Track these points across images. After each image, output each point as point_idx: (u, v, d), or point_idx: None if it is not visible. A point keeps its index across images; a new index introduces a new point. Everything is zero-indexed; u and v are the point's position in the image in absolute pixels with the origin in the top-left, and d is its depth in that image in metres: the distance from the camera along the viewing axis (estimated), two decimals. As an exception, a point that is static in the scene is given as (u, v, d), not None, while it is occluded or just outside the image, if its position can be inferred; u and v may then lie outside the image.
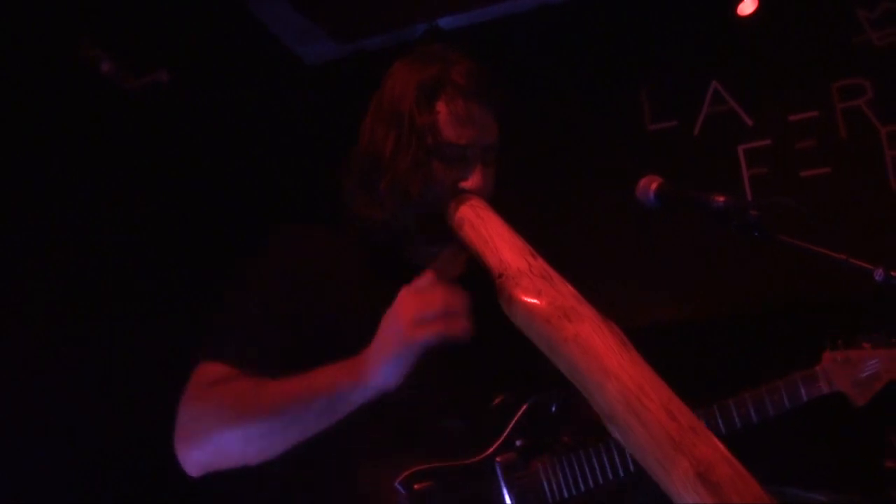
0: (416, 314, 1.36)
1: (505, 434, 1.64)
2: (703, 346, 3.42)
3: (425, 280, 1.41)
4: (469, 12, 3.98)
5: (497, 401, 1.66)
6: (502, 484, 1.60)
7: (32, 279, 2.73)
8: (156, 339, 3.01)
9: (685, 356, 1.88)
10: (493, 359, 1.65)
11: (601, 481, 1.63)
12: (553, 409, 1.70)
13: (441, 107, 1.63)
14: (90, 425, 2.80)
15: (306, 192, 3.95)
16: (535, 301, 1.23)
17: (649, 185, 1.74)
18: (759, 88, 3.83)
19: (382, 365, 1.38)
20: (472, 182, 1.63)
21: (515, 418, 1.65)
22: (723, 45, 3.84)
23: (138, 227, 3.26)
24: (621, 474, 1.63)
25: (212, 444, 1.48)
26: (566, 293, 1.22)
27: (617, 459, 1.63)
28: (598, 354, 1.10)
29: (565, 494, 1.62)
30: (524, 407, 1.66)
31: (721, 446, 0.98)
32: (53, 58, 2.72)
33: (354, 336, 1.48)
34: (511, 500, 1.59)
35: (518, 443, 1.63)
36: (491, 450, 1.62)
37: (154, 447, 1.66)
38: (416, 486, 1.56)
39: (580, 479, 1.63)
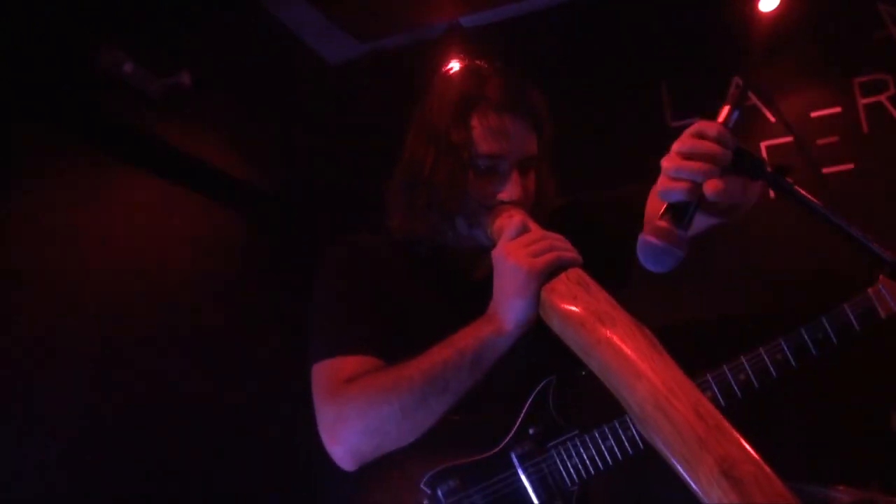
0: (527, 250, 1.45)
1: (518, 424, 1.68)
2: (733, 344, 3.41)
3: (514, 226, 1.51)
4: (490, 10, 3.98)
5: (510, 390, 1.70)
6: (521, 473, 1.64)
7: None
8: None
9: (717, 354, 1.84)
10: (520, 352, 1.69)
11: (619, 458, 1.66)
12: (562, 392, 1.73)
13: (475, 122, 1.67)
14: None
15: (335, 192, 4.00)
16: (570, 307, 1.28)
17: None
18: (781, 84, 3.82)
19: (516, 303, 1.45)
20: (508, 193, 1.67)
21: (526, 406, 1.69)
22: (745, 41, 3.83)
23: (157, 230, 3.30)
24: (641, 447, 1.66)
25: (369, 429, 1.54)
26: (601, 299, 1.26)
27: (634, 433, 1.67)
28: (630, 357, 1.13)
29: (583, 475, 1.65)
30: (535, 392, 1.70)
31: (746, 445, 1.00)
32: (76, 62, 2.76)
33: (402, 336, 1.61)
34: (532, 488, 1.63)
35: (531, 431, 1.67)
36: (506, 441, 1.66)
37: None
38: (440, 486, 1.61)
39: (597, 458, 1.66)
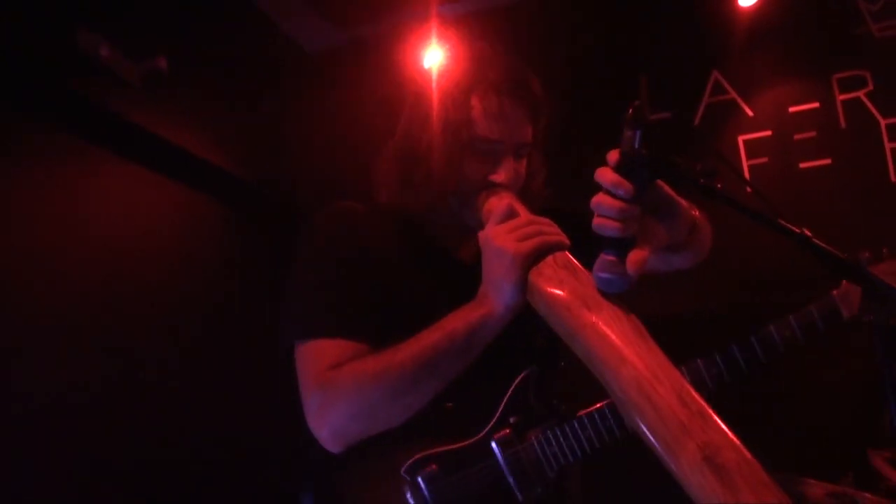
0: (513, 234, 1.44)
1: (498, 412, 1.70)
2: (722, 337, 3.43)
3: (501, 210, 1.51)
4: (469, 0, 3.98)
5: (492, 379, 1.71)
6: (501, 461, 1.66)
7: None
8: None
9: (705, 347, 1.89)
10: (506, 335, 1.70)
11: (598, 446, 1.69)
12: (543, 382, 1.76)
13: (475, 102, 1.67)
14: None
15: (315, 180, 3.98)
16: (556, 291, 1.27)
17: None
18: (759, 79, 3.84)
19: (503, 287, 1.44)
20: (501, 176, 1.67)
21: (507, 395, 1.71)
22: (724, 35, 3.84)
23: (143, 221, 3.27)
24: (618, 437, 1.70)
25: (358, 414, 1.53)
26: (588, 283, 1.25)
27: (612, 423, 1.70)
28: (614, 342, 1.12)
29: (562, 463, 1.68)
30: (516, 381, 1.72)
31: (729, 432, 1.01)
32: (52, 44, 2.72)
33: (396, 309, 1.62)
34: (511, 475, 1.65)
35: (512, 419, 1.69)
36: (486, 429, 1.68)
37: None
38: (420, 472, 1.63)
39: (576, 447, 1.69)
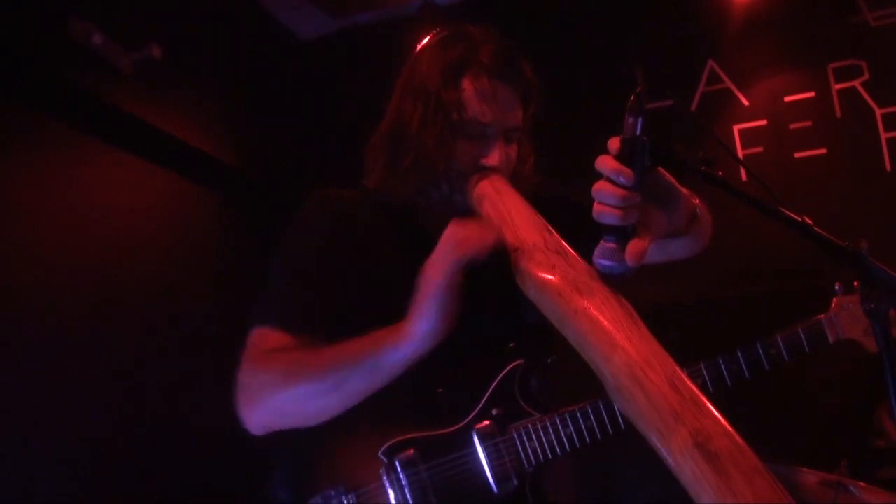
0: (437, 254, 1.44)
1: (483, 402, 1.69)
2: (717, 324, 3.43)
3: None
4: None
5: (480, 368, 1.71)
6: (479, 451, 1.65)
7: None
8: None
9: (699, 335, 1.88)
10: (490, 327, 1.72)
11: (578, 445, 1.68)
12: (529, 377, 1.74)
13: (467, 84, 1.64)
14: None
15: (307, 169, 3.96)
16: (547, 276, 1.26)
17: None
18: (755, 68, 3.83)
19: (421, 308, 1.43)
20: (492, 159, 1.65)
21: (492, 387, 1.70)
22: (719, 25, 3.83)
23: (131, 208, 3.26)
24: (598, 437, 1.69)
25: (272, 406, 1.56)
26: (579, 268, 1.24)
27: (594, 423, 1.69)
28: (606, 327, 1.11)
29: (541, 458, 1.67)
30: (502, 374, 1.71)
31: (721, 419, 1.00)
32: (44, 33, 2.70)
33: (379, 298, 1.63)
34: (488, 466, 1.64)
35: (494, 411, 1.68)
36: (468, 419, 1.68)
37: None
38: (397, 456, 1.63)
39: (556, 444, 1.68)
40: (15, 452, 2.56)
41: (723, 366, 1.82)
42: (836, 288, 1.89)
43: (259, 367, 1.58)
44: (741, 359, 1.82)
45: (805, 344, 1.83)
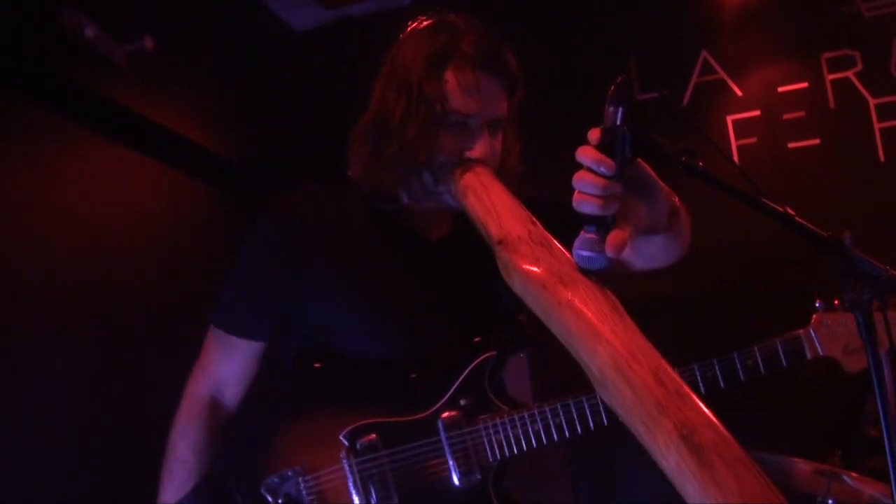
0: None
1: (451, 391, 1.68)
2: (701, 318, 3.44)
3: None
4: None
5: (451, 358, 1.71)
6: (443, 441, 1.65)
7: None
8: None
9: (683, 327, 1.85)
10: (469, 318, 1.73)
11: (545, 442, 1.67)
12: (500, 370, 1.75)
13: (450, 75, 1.63)
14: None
15: (296, 155, 3.96)
16: (532, 268, 1.24)
17: None
18: (748, 59, 3.83)
19: None
20: (477, 151, 1.64)
21: (462, 377, 1.69)
22: (713, 15, 3.83)
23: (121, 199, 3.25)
24: (567, 435, 1.68)
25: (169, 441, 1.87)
26: (563, 260, 1.23)
27: (562, 421, 1.68)
28: (591, 319, 1.11)
29: (506, 453, 1.66)
30: (472, 365, 1.70)
31: (706, 411, 1.00)
32: (36, 24, 2.69)
33: (352, 291, 1.68)
34: (451, 457, 1.64)
35: (462, 402, 1.68)
36: (435, 408, 1.67)
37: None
38: (359, 440, 1.63)
39: (522, 440, 1.67)
40: (9, 449, 2.55)
41: (698, 373, 1.78)
42: (817, 304, 1.86)
43: (182, 411, 1.88)
44: (717, 368, 1.79)
45: (782, 358, 1.80)
